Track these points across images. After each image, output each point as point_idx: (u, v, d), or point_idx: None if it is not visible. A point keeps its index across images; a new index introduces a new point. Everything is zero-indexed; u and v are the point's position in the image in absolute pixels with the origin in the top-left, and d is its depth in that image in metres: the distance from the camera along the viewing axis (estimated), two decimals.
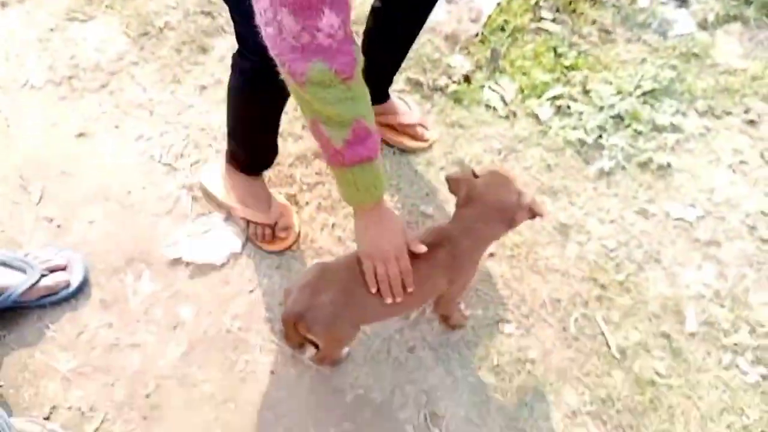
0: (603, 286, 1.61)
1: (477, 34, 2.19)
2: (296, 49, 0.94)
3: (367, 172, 1.13)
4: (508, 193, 1.23)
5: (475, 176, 1.28)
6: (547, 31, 2.22)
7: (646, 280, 1.63)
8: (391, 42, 1.63)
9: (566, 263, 1.65)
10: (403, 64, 1.88)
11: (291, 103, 1.85)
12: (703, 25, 2.28)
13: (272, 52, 0.97)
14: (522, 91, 2.02)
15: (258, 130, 1.50)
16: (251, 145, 1.55)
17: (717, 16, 2.29)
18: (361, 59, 1.01)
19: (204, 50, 2.04)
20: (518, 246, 1.67)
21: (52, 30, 2.06)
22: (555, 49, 2.15)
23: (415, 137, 1.87)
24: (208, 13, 2.13)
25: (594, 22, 2.26)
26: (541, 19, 2.28)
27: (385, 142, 1.86)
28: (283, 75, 1.01)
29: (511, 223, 1.25)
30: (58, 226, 1.65)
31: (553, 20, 2.28)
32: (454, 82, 2.04)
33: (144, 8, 2.13)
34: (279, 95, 1.39)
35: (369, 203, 1.18)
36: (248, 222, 1.62)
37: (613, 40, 2.21)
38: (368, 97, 1.07)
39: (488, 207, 1.24)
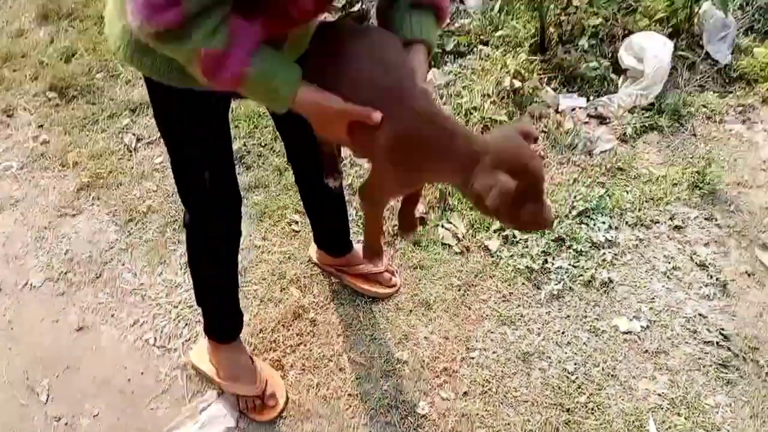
0: (569, 410, 1.64)
1: None
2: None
3: (263, 61, 0.98)
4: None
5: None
6: None
7: (607, 398, 1.66)
8: (328, 204, 1.73)
9: (534, 392, 1.68)
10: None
11: (265, 268, 1.91)
12: (623, 139, 2.39)
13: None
14: (471, 225, 2.10)
15: (216, 287, 1.57)
16: (215, 307, 1.62)
17: (635, 129, 2.41)
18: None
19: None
20: (489, 381, 1.70)
21: (46, 228, 2.13)
22: None
23: (384, 284, 1.92)
24: None
25: None
26: None
27: (357, 292, 1.91)
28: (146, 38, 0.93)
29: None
30: (66, 424, 1.66)
31: None
32: None
33: (128, 195, 2.21)
34: (218, 243, 1.47)
35: (285, 96, 1.03)
36: (238, 396, 1.64)
37: (546, 164, 2.31)
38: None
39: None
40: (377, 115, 1.02)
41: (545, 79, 2.61)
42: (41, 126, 2.47)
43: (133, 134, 2.42)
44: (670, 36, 2.65)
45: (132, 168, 2.30)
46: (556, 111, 2.52)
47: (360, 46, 1.11)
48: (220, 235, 1.46)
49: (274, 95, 1.03)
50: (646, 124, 2.42)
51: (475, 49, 2.82)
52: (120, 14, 1.07)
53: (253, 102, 1.17)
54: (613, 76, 2.60)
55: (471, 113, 2.49)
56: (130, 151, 2.37)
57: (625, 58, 2.54)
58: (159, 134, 2.41)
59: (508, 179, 0.96)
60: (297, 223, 2.10)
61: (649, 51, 2.44)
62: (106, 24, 1.15)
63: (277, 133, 1.68)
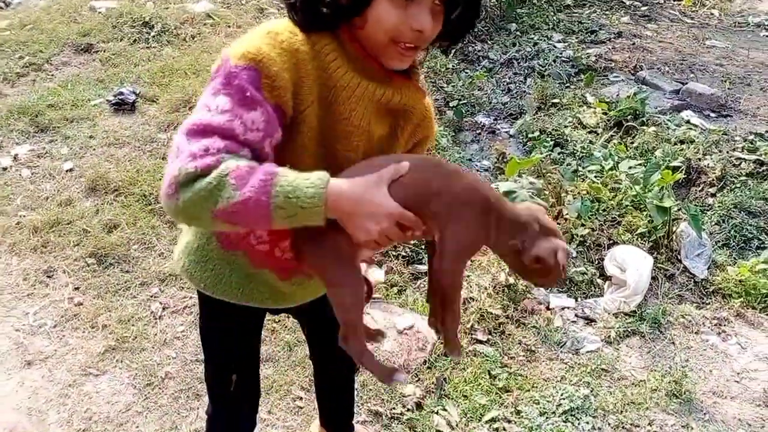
0: None
1: (424, 361, 2.50)
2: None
3: (280, 197, 0.99)
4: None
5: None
6: (482, 353, 2.54)
7: None
8: (334, 391, 1.87)
9: None
10: (364, 395, 2.14)
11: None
12: (608, 341, 2.63)
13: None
14: (465, 414, 2.28)
15: None
16: None
17: (618, 333, 2.66)
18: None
19: (198, 396, 2.29)
20: None
21: (70, 386, 2.31)
22: (489, 372, 2.45)
23: None
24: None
25: (520, 342, 2.60)
26: (476, 341, 2.62)
27: None
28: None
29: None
30: None
31: (487, 341, 2.62)
32: (408, 410, 2.29)
33: (149, 360, 2.42)
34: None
35: (317, 208, 1.01)
36: None
37: (537, 359, 2.53)
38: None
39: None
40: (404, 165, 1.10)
41: None
42: (77, 288, 2.74)
43: (160, 303, 2.68)
44: (651, 249, 2.99)
45: (156, 335, 2.53)
46: (547, 308, 2.78)
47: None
48: (239, 426, 1.61)
49: (304, 192, 0.99)
50: (629, 329, 2.67)
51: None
52: (186, 232, 1.37)
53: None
54: (599, 281, 2.91)
55: (468, 302, 2.75)
56: (156, 319, 2.61)
57: (610, 268, 2.86)
58: (184, 304, 2.70)
59: (561, 241, 1.16)
60: (302, 399, 2.28)
61: (631, 264, 2.76)
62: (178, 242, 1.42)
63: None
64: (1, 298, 2.64)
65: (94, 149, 3.55)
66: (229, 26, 4.86)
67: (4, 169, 3.41)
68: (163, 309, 2.66)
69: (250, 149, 1.03)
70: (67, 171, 3.39)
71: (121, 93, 3.90)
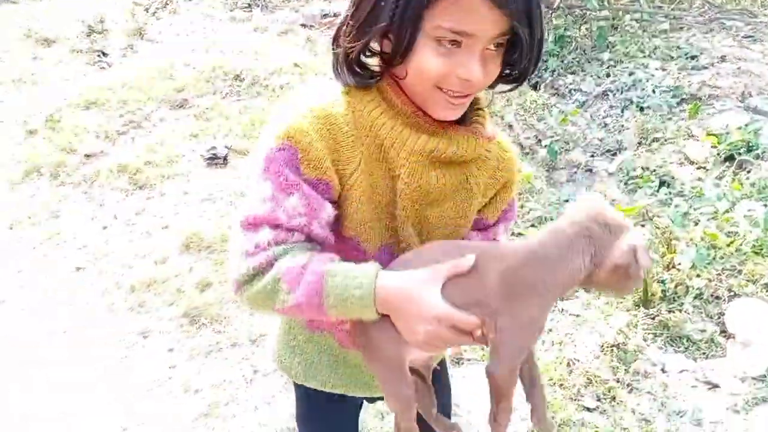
0: None
1: None
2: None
3: (330, 298, 0.98)
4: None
5: None
6: (592, 423, 2.32)
7: None
8: None
9: None
10: None
11: None
12: (735, 409, 2.34)
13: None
14: None
15: None
16: None
17: (746, 400, 2.36)
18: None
19: None
20: None
21: None
22: None
23: None
24: (292, 429, 2.34)
25: (633, 410, 2.36)
26: (584, 408, 2.40)
27: None
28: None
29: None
30: None
31: (596, 409, 2.39)
32: None
33: (241, 427, 2.36)
34: None
35: (368, 307, 0.98)
36: None
37: (653, 430, 2.28)
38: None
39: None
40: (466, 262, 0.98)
41: (649, 336, 2.66)
42: (171, 350, 2.74)
43: (251, 365, 2.63)
44: None
45: (247, 400, 2.48)
46: (663, 370, 2.52)
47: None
48: None
49: (352, 293, 0.97)
50: (760, 396, 2.37)
51: (576, 294, 2.94)
52: (280, 322, 1.30)
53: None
54: (720, 339, 2.62)
55: (573, 364, 2.54)
56: (247, 383, 2.56)
57: (731, 324, 2.57)
58: (274, 367, 2.63)
59: (633, 234, 0.99)
60: None
61: (756, 321, 2.46)
62: None
63: None
64: (99, 363, 2.67)
65: (188, 205, 3.61)
66: (315, 74, 4.90)
67: (105, 227, 3.51)
68: (254, 372, 2.61)
69: (301, 233, 1.02)
70: (162, 228, 3.45)
71: (214, 147, 3.97)
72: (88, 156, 4.10)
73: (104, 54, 5.45)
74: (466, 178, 1.12)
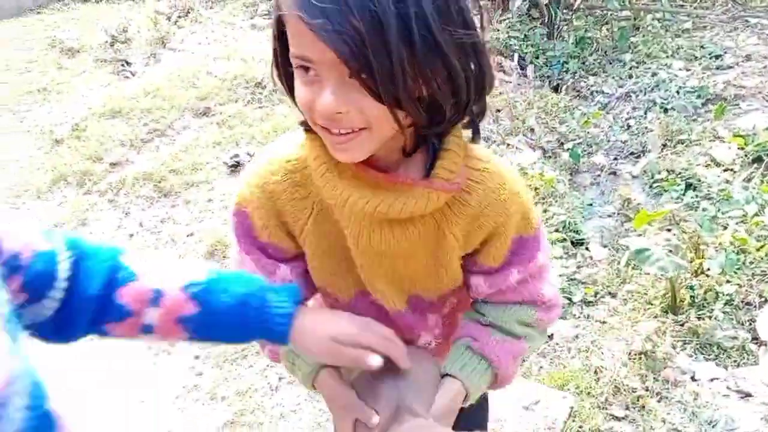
0: None
1: None
2: None
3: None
4: None
5: None
6: None
7: None
8: None
9: None
10: None
11: None
12: None
13: None
14: None
15: None
16: None
17: None
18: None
19: None
20: None
21: None
22: None
23: None
24: None
25: (664, 420, 2.31)
26: (612, 417, 2.36)
27: None
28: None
29: None
30: None
31: (625, 418, 2.35)
32: None
33: None
34: None
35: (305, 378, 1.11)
36: None
37: None
38: None
39: None
40: (375, 419, 0.97)
41: (679, 343, 2.61)
42: (197, 357, 2.74)
43: (276, 373, 2.63)
44: None
45: (273, 407, 2.47)
46: (693, 379, 2.47)
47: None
48: None
49: (298, 369, 1.11)
50: None
51: (602, 299, 2.90)
52: None
53: None
54: (752, 346, 2.56)
55: (601, 372, 2.50)
56: (272, 390, 2.56)
57: (763, 331, 2.51)
58: None
59: None
60: None
61: None
62: None
63: None
64: (126, 371, 2.68)
65: (213, 212, 3.62)
66: None
67: (131, 235, 3.53)
68: (279, 379, 2.61)
69: None
70: (187, 236, 3.47)
71: (236, 155, 3.98)
72: (113, 164, 4.13)
73: (128, 63, 5.50)
74: (438, 226, 0.99)
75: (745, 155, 3.68)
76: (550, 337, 2.64)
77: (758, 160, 3.62)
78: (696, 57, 5.25)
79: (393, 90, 0.77)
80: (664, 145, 4.03)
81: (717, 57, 5.22)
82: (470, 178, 0.98)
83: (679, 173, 3.63)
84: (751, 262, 2.82)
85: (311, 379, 1.08)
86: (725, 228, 2.96)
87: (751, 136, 3.80)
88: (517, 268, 1.06)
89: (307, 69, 0.82)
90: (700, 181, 3.51)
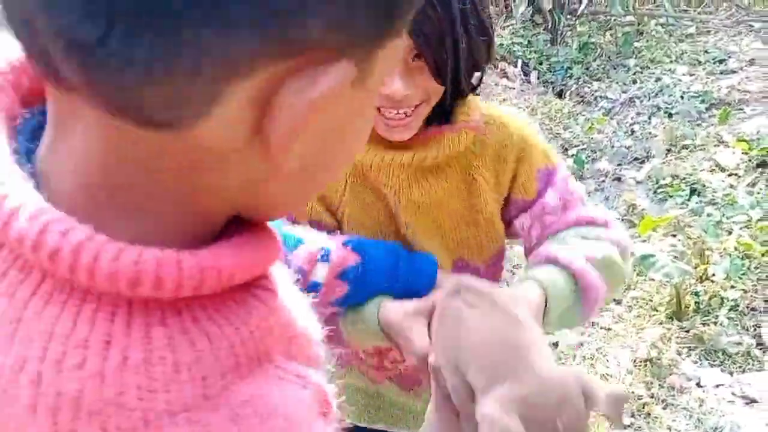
0: None
1: None
2: None
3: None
4: None
5: None
6: None
7: None
8: None
9: None
10: None
11: None
12: None
13: None
14: None
15: None
16: None
17: None
18: None
19: None
20: None
21: None
22: None
23: None
24: None
25: (669, 428, 2.31)
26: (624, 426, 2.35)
27: None
28: None
29: None
30: None
31: (631, 426, 2.34)
32: None
33: None
34: None
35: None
36: None
37: None
38: None
39: None
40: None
41: (684, 350, 2.60)
42: None
43: None
44: None
45: None
46: (698, 385, 2.46)
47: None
48: None
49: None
50: None
51: (607, 306, 2.89)
52: None
53: None
54: (757, 352, 2.55)
55: (606, 379, 2.50)
56: None
57: None
58: None
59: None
60: None
61: None
62: None
63: None
64: None
65: None
66: None
67: None
68: None
69: None
70: None
71: None
72: None
73: None
74: (467, 172, 1.06)
75: (750, 160, 3.68)
76: (555, 345, 2.63)
77: (762, 164, 3.62)
78: (700, 62, 5.26)
79: (455, 69, 0.91)
80: (668, 151, 4.03)
81: (721, 62, 5.23)
82: (485, 122, 1.05)
83: (684, 178, 3.63)
84: (756, 267, 2.81)
85: (377, 316, 0.95)
86: (730, 233, 2.95)
87: (755, 140, 3.79)
88: (552, 192, 1.06)
89: None
90: (704, 186, 3.50)
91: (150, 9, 0.28)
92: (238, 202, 0.40)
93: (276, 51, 0.31)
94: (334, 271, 0.94)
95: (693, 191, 3.48)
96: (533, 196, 1.08)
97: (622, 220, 3.51)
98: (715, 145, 3.93)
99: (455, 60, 0.91)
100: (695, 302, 2.74)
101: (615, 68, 5.32)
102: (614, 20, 5.72)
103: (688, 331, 2.65)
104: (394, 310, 0.93)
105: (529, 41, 5.52)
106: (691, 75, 5.02)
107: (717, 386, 2.44)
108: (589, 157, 4.18)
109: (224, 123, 0.33)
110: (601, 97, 5.00)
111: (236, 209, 0.41)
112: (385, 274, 0.97)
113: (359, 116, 0.40)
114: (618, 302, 2.90)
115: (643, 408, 2.37)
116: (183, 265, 0.35)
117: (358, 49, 0.34)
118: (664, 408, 2.37)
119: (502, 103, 4.37)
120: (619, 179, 3.98)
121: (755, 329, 2.61)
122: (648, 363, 2.53)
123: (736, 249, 2.83)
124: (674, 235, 3.00)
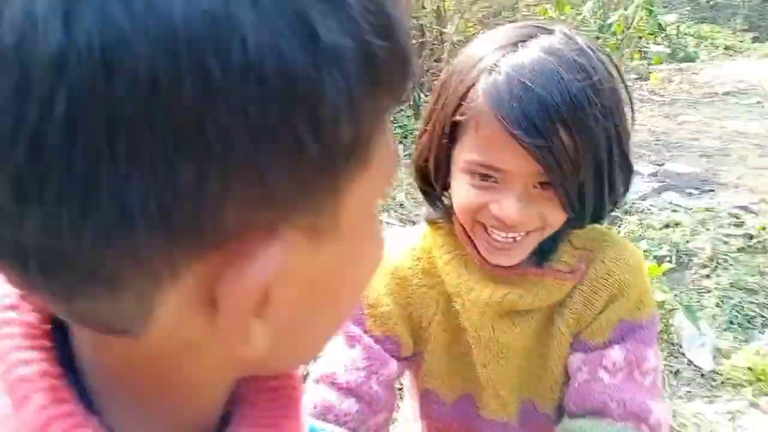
0: None
1: None
2: None
3: None
4: None
5: None
6: None
7: None
8: None
9: None
10: None
11: None
12: None
13: None
14: None
15: None
16: None
17: None
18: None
19: None
20: None
21: None
22: None
23: None
24: None
25: None
26: None
27: None
28: None
29: None
30: None
31: None
32: None
33: None
34: None
35: None
36: None
37: None
38: None
39: None
40: None
41: None
42: None
43: None
44: None
45: None
46: None
47: None
48: None
49: None
50: None
51: None
52: None
53: None
54: None
55: None
56: None
57: None
58: None
59: None
60: None
61: None
62: None
63: None
64: None
65: None
66: None
67: None
68: None
69: (353, 395, 0.93)
70: None
71: None
72: None
73: None
74: (551, 322, 0.97)
75: None
76: None
77: None
78: None
79: (581, 198, 0.83)
80: None
81: None
82: (589, 259, 0.96)
83: None
84: None
85: None
86: None
87: None
88: (620, 350, 0.95)
89: (486, 176, 0.84)
90: None
91: (61, 251, 0.27)
92: (236, 371, 0.39)
93: (190, 249, 0.28)
94: None
95: None
96: (600, 343, 0.97)
97: None
98: None
99: (598, 194, 0.83)
100: None
101: None
102: None
103: None
104: None
105: (394, 118, 5.87)
106: None
107: None
108: None
109: (174, 324, 0.32)
110: None
111: (238, 375, 0.40)
112: None
113: (349, 257, 0.36)
114: None
115: None
116: None
117: (297, 212, 0.30)
118: None
119: None
120: None
121: None
122: None
123: None
124: None
